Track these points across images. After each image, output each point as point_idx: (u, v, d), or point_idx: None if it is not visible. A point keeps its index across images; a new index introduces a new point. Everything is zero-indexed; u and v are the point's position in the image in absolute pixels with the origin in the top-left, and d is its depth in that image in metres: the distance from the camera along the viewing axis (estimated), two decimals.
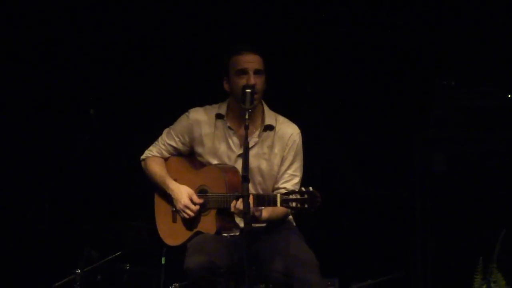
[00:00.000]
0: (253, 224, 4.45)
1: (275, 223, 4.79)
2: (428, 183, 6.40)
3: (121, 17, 6.41)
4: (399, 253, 6.40)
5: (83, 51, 6.46)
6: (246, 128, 4.41)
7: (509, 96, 6.37)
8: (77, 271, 5.57)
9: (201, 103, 4.96)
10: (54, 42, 6.42)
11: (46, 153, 6.41)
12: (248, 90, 4.54)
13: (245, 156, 4.34)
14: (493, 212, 6.18)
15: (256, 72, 4.73)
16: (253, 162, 4.74)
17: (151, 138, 5.04)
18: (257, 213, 4.56)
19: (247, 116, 4.44)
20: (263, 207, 4.57)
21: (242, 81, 4.69)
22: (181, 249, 4.77)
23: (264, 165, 4.84)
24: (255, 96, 4.60)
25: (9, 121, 6.39)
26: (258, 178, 4.84)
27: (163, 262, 5.11)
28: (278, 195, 4.46)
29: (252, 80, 4.69)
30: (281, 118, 4.92)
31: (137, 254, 5.72)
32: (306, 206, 4.39)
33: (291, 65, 6.35)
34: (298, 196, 4.40)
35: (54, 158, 6.39)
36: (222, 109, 4.88)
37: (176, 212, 4.85)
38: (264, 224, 4.73)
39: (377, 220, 6.44)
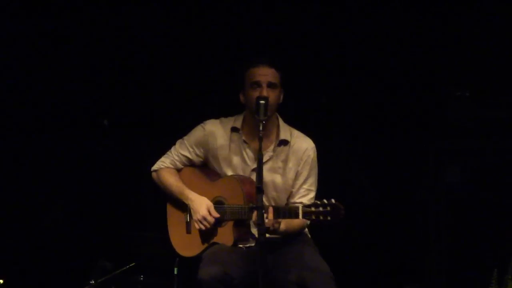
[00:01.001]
0: (268, 235, 4.45)
1: (292, 236, 4.78)
2: (443, 194, 6.38)
3: (135, 28, 6.41)
4: (414, 265, 6.37)
5: (99, 63, 6.47)
6: (260, 139, 4.42)
7: None
8: (91, 282, 5.57)
9: (213, 116, 4.96)
10: (68, 53, 6.43)
11: (61, 163, 6.42)
12: (262, 102, 4.55)
13: (259, 168, 4.35)
14: (508, 224, 6.15)
15: (270, 85, 4.74)
16: (267, 176, 4.75)
17: (164, 148, 5.04)
18: (276, 225, 4.56)
19: (261, 128, 4.45)
20: (281, 219, 4.56)
21: (256, 93, 4.70)
22: (195, 259, 4.77)
23: (278, 179, 4.84)
24: (269, 108, 4.59)
25: (24, 134, 6.40)
26: (272, 193, 4.84)
27: (175, 272, 5.10)
28: (300, 207, 4.45)
29: (265, 92, 4.69)
30: (296, 133, 4.92)
31: (151, 265, 5.72)
32: (329, 218, 4.39)
33: (307, 76, 6.34)
34: (321, 209, 4.40)
35: (68, 169, 6.40)
36: (238, 122, 4.89)
37: (190, 223, 4.84)
38: (277, 236, 4.71)
39: (392, 232, 6.41)
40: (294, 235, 4.80)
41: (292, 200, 4.84)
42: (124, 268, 5.70)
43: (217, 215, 4.75)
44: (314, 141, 4.95)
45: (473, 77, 6.40)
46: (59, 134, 6.43)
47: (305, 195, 4.85)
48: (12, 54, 6.29)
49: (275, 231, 4.57)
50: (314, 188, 4.89)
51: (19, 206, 6.34)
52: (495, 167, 6.36)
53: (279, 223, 4.57)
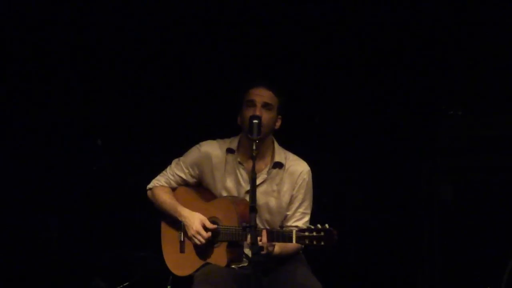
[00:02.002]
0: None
1: (286, 258, 4.79)
2: (436, 213, 6.39)
3: (129, 44, 6.43)
4: (407, 283, 6.37)
5: (93, 81, 6.49)
6: (253, 158, 4.43)
7: None
8: None
9: (208, 137, 4.98)
10: (63, 72, 6.45)
11: (55, 182, 6.42)
12: (255, 121, 4.55)
13: (252, 186, 4.36)
14: (501, 242, 6.16)
15: (264, 105, 4.76)
16: (261, 199, 4.78)
17: (159, 167, 5.06)
18: (270, 248, 4.56)
19: (254, 147, 4.46)
20: (275, 243, 4.58)
21: (250, 112, 4.72)
22: (187, 278, 4.78)
23: (272, 202, 4.85)
24: (262, 128, 4.61)
25: (18, 153, 6.41)
26: (266, 215, 4.85)
27: None
28: (294, 231, 4.47)
29: (258, 111, 4.71)
30: (291, 156, 4.93)
31: (145, 285, 5.72)
32: (322, 243, 4.40)
33: (300, 97, 6.36)
34: (315, 234, 4.41)
35: (62, 188, 6.40)
36: (234, 144, 4.90)
37: (184, 242, 4.85)
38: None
39: (384, 250, 6.42)
40: (288, 258, 4.81)
41: (287, 224, 4.83)
42: (118, 287, 5.70)
43: (213, 226, 4.75)
44: (308, 161, 4.97)
45: (466, 96, 6.43)
46: (53, 154, 6.43)
47: (300, 219, 4.86)
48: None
49: (268, 254, 4.57)
50: (309, 211, 4.90)
51: (13, 225, 6.34)
52: (488, 185, 6.37)
53: (273, 246, 4.58)
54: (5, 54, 6.30)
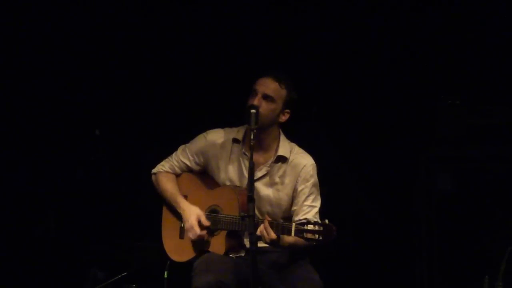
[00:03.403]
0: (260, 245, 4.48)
1: (297, 254, 4.79)
2: (434, 202, 6.39)
3: (131, 33, 6.42)
4: (405, 272, 6.38)
5: (90, 70, 6.47)
6: (251, 148, 4.43)
7: None
8: None
9: (212, 125, 4.97)
10: (58, 61, 6.43)
11: (53, 173, 6.42)
12: (252, 111, 4.55)
13: (250, 176, 4.37)
14: (500, 230, 6.17)
15: (265, 96, 4.74)
16: (263, 191, 4.80)
17: (160, 156, 5.06)
18: (272, 237, 4.55)
19: (252, 136, 4.47)
20: (283, 235, 4.58)
21: (250, 101, 4.72)
22: (186, 265, 4.79)
23: (274, 194, 4.85)
24: (260, 119, 4.58)
25: (15, 143, 6.41)
26: (267, 207, 4.85)
27: (165, 276, 5.10)
28: (293, 224, 4.49)
29: (256, 101, 4.69)
30: (297, 149, 4.92)
31: (143, 274, 5.72)
32: (320, 238, 4.41)
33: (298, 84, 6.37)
34: (313, 227, 4.41)
35: (60, 178, 6.40)
36: (240, 134, 4.90)
37: (184, 228, 4.86)
38: (267, 245, 4.71)
39: (382, 239, 6.43)
40: (295, 253, 4.80)
41: (296, 218, 4.80)
42: (116, 277, 5.70)
43: (207, 223, 4.76)
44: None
45: (464, 86, 6.42)
46: (51, 144, 6.43)
47: (308, 212, 4.83)
48: None
49: (273, 242, 4.56)
50: (317, 203, 4.86)
51: (11, 215, 6.34)
52: (486, 174, 6.37)
53: (277, 236, 4.56)
54: None
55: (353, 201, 6.52)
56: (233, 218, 4.71)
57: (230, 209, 4.75)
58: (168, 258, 4.94)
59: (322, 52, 6.40)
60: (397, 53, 6.39)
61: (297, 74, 5.99)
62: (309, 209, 4.84)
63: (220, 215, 4.78)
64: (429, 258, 6.36)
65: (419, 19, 6.33)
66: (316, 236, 4.41)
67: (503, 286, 5.20)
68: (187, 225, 4.79)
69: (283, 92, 4.78)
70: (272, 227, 4.54)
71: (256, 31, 6.37)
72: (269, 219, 4.63)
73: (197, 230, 4.75)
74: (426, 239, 6.38)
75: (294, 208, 4.84)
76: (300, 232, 4.44)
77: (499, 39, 6.29)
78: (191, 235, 4.78)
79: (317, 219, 4.73)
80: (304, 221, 4.49)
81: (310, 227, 4.42)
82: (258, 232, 4.50)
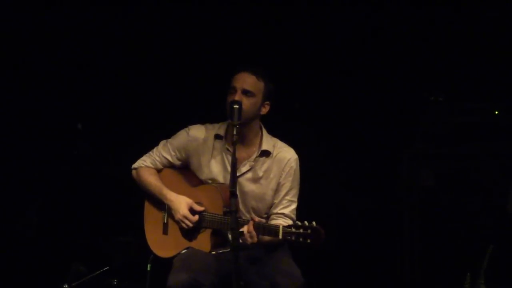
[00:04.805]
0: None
1: (272, 247, 4.79)
2: (417, 199, 6.41)
3: (111, 28, 6.40)
4: (387, 267, 6.40)
5: (73, 65, 6.45)
6: (234, 144, 4.42)
7: (496, 112, 6.40)
8: (64, 286, 5.55)
9: (193, 120, 4.96)
10: (42, 57, 6.41)
11: (35, 167, 6.40)
12: (235, 106, 4.54)
13: (232, 172, 4.34)
14: (481, 228, 6.19)
15: (244, 92, 4.73)
16: (247, 186, 4.81)
17: (142, 151, 5.04)
18: (254, 239, 4.54)
19: (234, 132, 4.45)
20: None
21: (230, 98, 4.70)
22: (169, 260, 4.77)
23: (258, 189, 4.84)
24: (242, 114, 4.57)
25: None
26: (251, 202, 4.85)
27: (148, 269, 5.10)
28: (281, 227, 4.47)
29: (237, 97, 4.69)
30: (280, 144, 4.92)
31: (125, 269, 5.71)
32: (308, 241, 4.40)
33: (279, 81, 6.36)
34: (301, 231, 4.41)
35: (42, 173, 6.38)
36: (222, 130, 4.89)
37: (167, 224, 4.84)
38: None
39: (365, 235, 6.44)
40: (274, 247, 4.80)
41: (274, 211, 4.82)
42: (98, 272, 5.69)
43: (200, 208, 4.75)
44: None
45: (448, 82, 6.44)
46: (33, 138, 6.41)
47: (287, 206, 4.84)
48: None
49: (253, 244, 4.56)
50: (295, 199, 4.88)
51: None
52: (469, 171, 6.40)
53: (256, 237, 4.56)
54: None
55: (335, 197, 6.53)
56: (218, 216, 4.70)
57: (215, 208, 4.73)
58: (152, 253, 4.92)
59: (305, 47, 6.40)
60: (381, 49, 6.40)
61: (279, 70, 6.03)
62: (288, 203, 4.84)
63: (204, 213, 4.77)
64: (411, 254, 6.38)
65: (403, 16, 6.34)
66: (304, 239, 4.41)
67: (485, 283, 5.23)
68: (179, 216, 4.76)
69: (261, 85, 4.79)
70: (259, 229, 4.54)
71: (237, 28, 6.36)
72: (256, 219, 4.62)
73: (192, 218, 4.73)
74: (408, 235, 6.40)
75: (274, 200, 4.85)
76: (288, 234, 4.44)
77: (483, 37, 6.31)
78: (185, 225, 4.75)
79: (294, 215, 4.77)
80: (292, 223, 4.49)
81: (298, 230, 4.41)
82: (244, 231, 4.50)
